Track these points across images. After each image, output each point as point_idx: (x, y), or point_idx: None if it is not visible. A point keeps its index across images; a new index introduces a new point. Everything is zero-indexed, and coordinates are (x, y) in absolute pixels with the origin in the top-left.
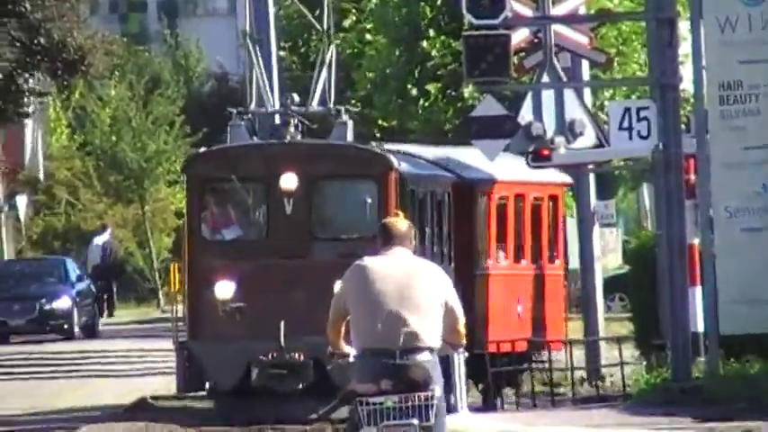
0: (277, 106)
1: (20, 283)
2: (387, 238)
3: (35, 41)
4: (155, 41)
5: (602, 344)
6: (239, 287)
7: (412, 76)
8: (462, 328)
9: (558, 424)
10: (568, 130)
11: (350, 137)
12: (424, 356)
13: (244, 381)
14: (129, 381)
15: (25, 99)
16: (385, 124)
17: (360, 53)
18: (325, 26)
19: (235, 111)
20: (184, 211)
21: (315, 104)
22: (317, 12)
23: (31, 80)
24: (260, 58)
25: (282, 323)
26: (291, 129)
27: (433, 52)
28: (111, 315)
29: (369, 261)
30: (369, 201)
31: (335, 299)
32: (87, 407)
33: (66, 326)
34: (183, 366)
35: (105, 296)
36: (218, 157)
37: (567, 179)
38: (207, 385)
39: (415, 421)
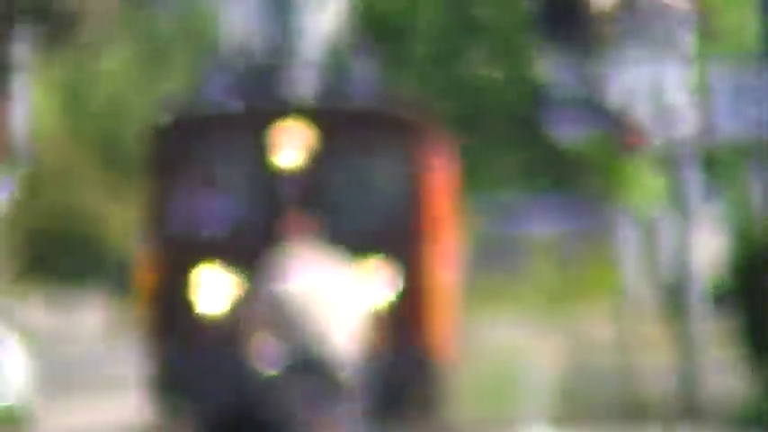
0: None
1: None
2: None
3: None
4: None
5: None
6: (226, 297)
7: (462, 39)
8: None
9: None
10: (665, 109)
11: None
12: None
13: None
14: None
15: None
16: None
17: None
18: None
19: (209, 57)
20: (143, 198)
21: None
22: None
23: (10, 52)
24: None
25: None
26: (291, 84)
27: (488, 11)
28: None
29: None
30: (399, 180)
31: None
32: None
33: None
34: (156, 386)
35: None
36: (189, 124)
37: None
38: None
39: None
